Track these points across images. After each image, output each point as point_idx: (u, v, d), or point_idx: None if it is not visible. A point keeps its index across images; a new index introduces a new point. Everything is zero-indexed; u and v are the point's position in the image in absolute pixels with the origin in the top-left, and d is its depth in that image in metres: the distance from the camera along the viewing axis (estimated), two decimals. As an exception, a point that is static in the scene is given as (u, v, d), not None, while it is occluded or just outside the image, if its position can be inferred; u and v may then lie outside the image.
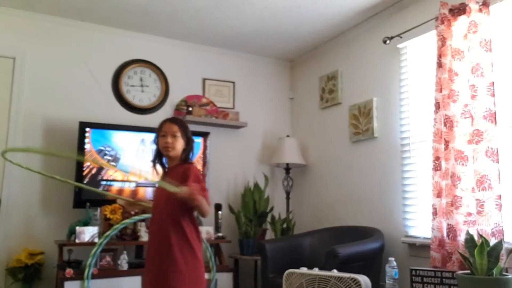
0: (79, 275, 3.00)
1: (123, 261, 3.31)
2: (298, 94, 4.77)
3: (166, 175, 2.24)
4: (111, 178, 3.62)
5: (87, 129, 3.59)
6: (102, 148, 3.63)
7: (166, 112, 4.15)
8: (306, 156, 4.43)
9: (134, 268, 3.32)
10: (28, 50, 3.67)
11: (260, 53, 4.63)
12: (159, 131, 2.24)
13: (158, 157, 2.28)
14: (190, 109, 4.14)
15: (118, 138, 3.71)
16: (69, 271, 3.07)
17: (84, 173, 3.53)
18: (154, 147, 2.29)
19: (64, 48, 3.82)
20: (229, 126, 4.35)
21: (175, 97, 4.20)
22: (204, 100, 4.28)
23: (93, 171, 3.56)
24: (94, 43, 3.94)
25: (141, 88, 4.08)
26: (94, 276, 2.96)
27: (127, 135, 3.75)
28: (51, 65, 3.76)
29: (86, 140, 3.57)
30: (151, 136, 3.77)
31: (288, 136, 4.47)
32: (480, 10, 2.72)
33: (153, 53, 4.16)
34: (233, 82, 4.53)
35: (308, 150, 4.46)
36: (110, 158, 3.65)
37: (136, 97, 4.04)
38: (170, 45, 4.26)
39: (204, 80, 4.39)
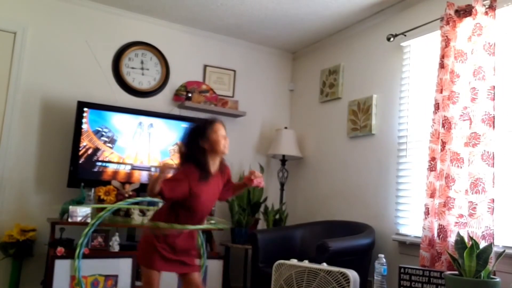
0: (70, 254, 3.02)
1: (115, 243, 3.32)
2: (298, 86, 4.76)
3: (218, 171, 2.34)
4: (106, 159, 3.62)
5: (85, 109, 3.57)
6: (99, 129, 3.62)
7: (165, 96, 4.13)
8: (303, 149, 4.43)
9: (125, 251, 3.33)
10: (30, 25, 3.63)
11: (263, 43, 4.60)
12: (214, 131, 2.26)
13: (203, 153, 2.25)
14: (190, 95, 4.12)
15: (116, 120, 3.70)
16: (60, 250, 3.08)
17: (80, 153, 3.52)
18: (194, 142, 2.24)
19: (66, 26, 3.79)
20: (228, 115, 4.33)
21: (175, 82, 4.18)
22: (204, 87, 4.26)
23: (89, 151, 3.56)
24: (97, 22, 3.91)
25: (142, 71, 4.06)
26: (85, 256, 2.97)
27: (125, 117, 3.74)
28: (52, 42, 3.72)
29: (84, 120, 3.56)
30: (148, 119, 3.82)
31: (286, 128, 4.47)
32: (486, 13, 2.71)
33: (156, 36, 4.13)
34: (234, 71, 4.51)
35: (305, 143, 4.46)
36: (106, 139, 3.64)
37: (136, 80, 4.02)
38: (173, 29, 4.22)
39: (205, 66, 4.37)
